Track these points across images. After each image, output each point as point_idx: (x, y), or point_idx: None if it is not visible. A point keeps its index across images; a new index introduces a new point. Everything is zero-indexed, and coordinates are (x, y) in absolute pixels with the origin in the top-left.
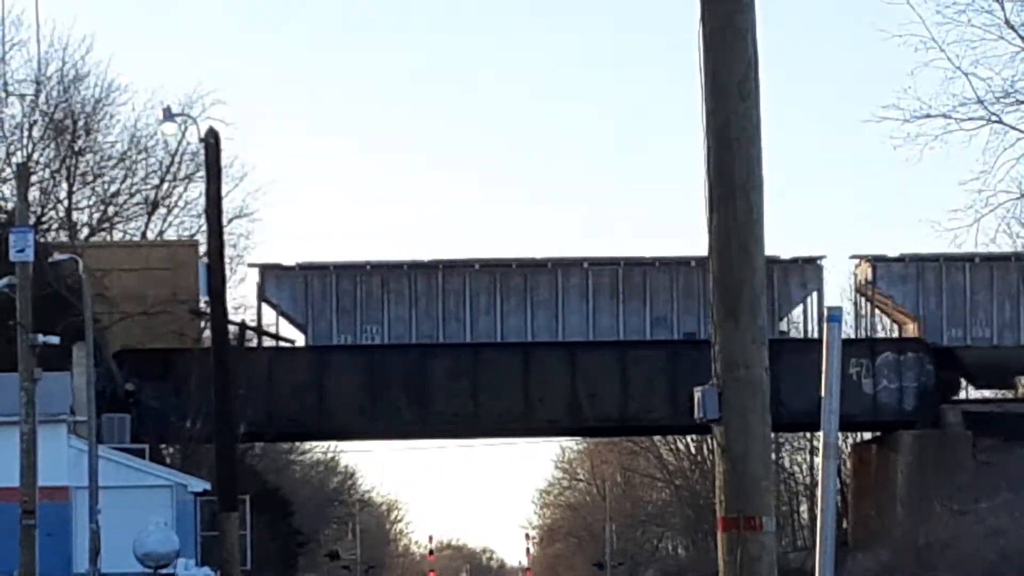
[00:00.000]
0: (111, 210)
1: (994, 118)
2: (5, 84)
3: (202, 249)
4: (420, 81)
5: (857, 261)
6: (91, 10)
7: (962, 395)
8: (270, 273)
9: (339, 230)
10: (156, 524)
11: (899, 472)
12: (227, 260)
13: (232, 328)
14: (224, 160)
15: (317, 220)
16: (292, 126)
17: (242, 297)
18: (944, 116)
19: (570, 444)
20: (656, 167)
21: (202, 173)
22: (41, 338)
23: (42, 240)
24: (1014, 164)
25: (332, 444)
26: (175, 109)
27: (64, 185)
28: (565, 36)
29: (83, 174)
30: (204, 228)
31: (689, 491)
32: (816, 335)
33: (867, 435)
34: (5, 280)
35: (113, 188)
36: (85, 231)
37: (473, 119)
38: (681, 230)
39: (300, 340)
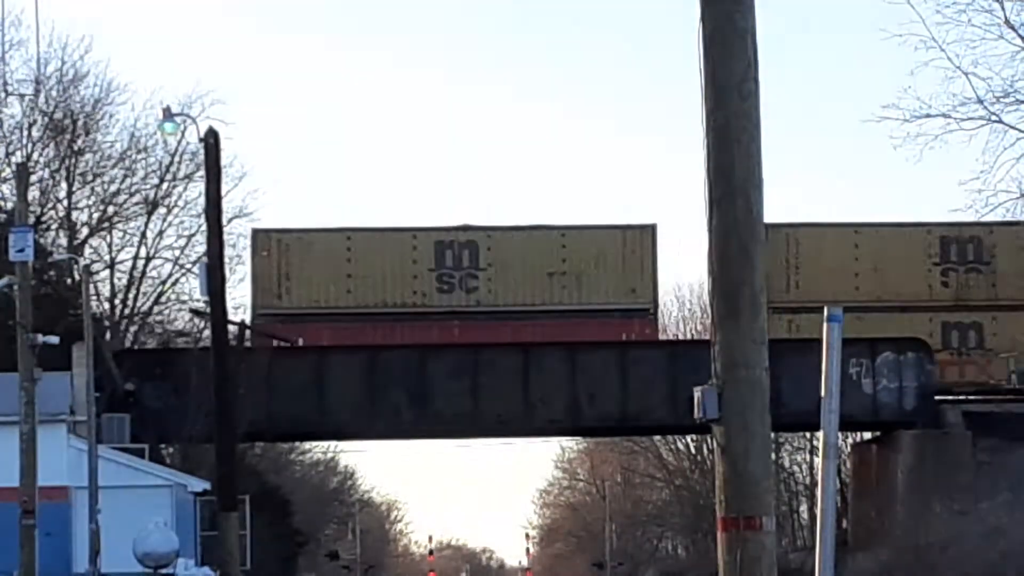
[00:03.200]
0: (111, 210)
1: (994, 118)
2: (5, 84)
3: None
4: (419, 79)
5: None
6: (90, 10)
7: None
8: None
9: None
10: (156, 524)
11: (899, 472)
12: (227, 260)
13: (232, 328)
14: (223, 160)
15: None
16: (291, 125)
17: (242, 297)
18: (944, 116)
19: (570, 444)
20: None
21: (202, 173)
22: (41, 338)
23: (41, 240)
24: (1014, 164)
25: (332, 444)
26: (175, 109)
27: (64, 185)
28: (563, 36)
29: (83, 174)
30: (204, 228)
31: (689, 491)
32: None
33: (867, 435)
34: (5, 280)
35: (113, 188)
36: (85, 231)
37: (475, 106)
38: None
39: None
